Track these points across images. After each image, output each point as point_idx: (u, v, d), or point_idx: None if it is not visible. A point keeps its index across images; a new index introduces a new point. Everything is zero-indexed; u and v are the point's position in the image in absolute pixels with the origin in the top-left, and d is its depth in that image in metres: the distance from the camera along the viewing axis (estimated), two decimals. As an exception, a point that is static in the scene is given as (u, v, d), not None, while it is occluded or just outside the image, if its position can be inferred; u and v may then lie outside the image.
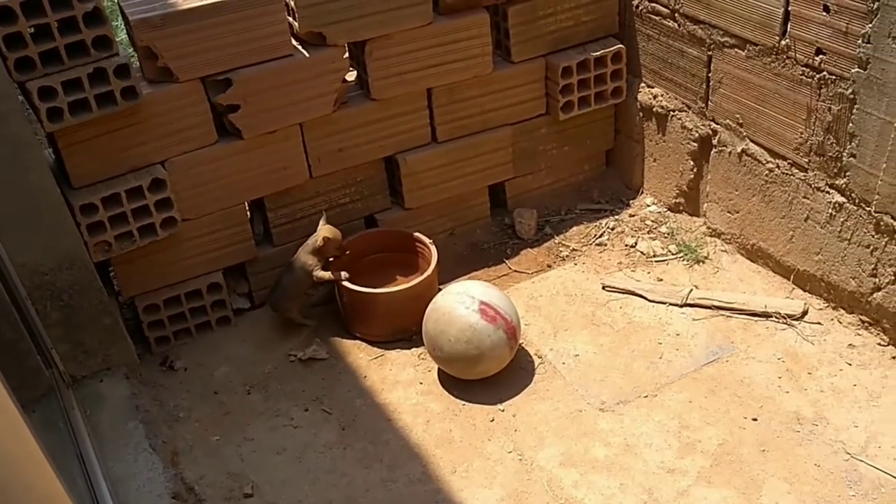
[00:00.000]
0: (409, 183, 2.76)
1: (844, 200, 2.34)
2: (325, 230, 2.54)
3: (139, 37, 2.22)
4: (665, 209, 3.01)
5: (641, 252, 2.87)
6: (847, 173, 2.30)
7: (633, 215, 3.01)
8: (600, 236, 2.96)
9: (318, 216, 2.71)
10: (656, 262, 2.83)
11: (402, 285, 2.61)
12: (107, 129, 2.26)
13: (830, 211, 2.39)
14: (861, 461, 2.11)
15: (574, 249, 2.93)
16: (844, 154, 2.28)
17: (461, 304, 2.38)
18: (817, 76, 2.27)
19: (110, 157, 2.30)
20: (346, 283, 2.54)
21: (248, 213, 2.69)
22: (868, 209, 2.28)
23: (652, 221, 2.99)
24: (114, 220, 2.34)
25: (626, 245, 2.91)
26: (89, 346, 2.37)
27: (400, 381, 2.50)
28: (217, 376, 2.55)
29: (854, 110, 2.20)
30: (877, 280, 2.33)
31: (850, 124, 2.23)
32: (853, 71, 2.16)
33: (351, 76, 2.67)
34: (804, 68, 2.29)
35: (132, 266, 2.48)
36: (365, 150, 2.66)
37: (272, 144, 2.51)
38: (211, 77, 2.36)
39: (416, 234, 2.72)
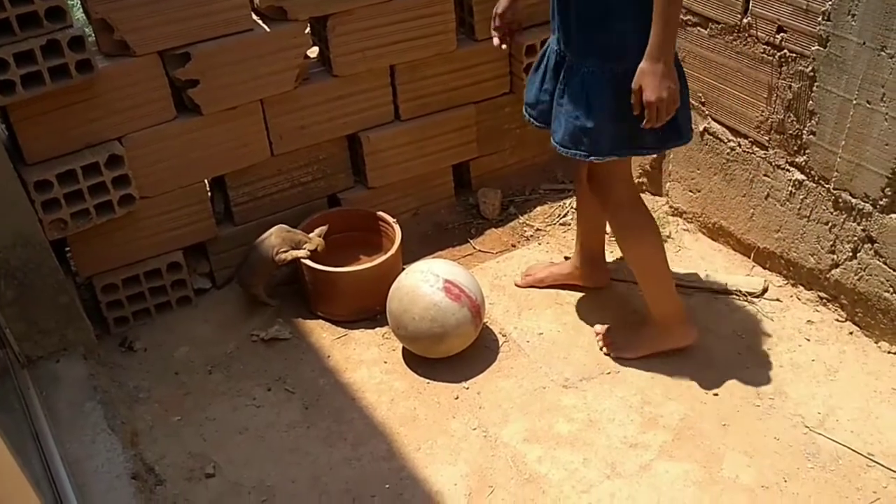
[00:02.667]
0: (372, 161, 2.74)
1: (804, 178, 2.37)
2: (319, 242, 2.56)
3: (94, 8, 2.17)
4: (628, 189, 3.02)
5: (605, 232, 2.88)
6: (807, 151, 2.32)
7: (597, 195, 3.01)
8: (564, 216, 2.96)
9: (281, 195, 2.68)
10: (619, 241, 2.84)
11: (365, 264, 2.59)
12: (61, 103, 2.20)
13: (790, 189, 2.42)
14: (819, 434, 2.14)
15: (538, 229, 2.93)
16: (804, 132, 2.30)
17: (425, 282, 2.37)
18: (778, 54, 2.28)
19: (65, 132, 2.24)
20: (308, 263, 2.51)
21: (209, 191, 2.65)
22: (827, 186, 2.30)
23: (615, 201, 2.99)
24: (69, 198, 2.28)
25: (590, 224, 2.91)
26: (45, 326, 2.32)
27: (364, 360, 2.49)
28: (177, 357, 2.51)
29: (814, 88, 2.23)
30: (835, 257, 2.36)
31: (811, 102, 2.25)
32: (813, 49, 2.18)
33: (313, 52, 2.63)
34: (765, 46, 2.31)
35: (89, 245, 2.43)
36: (327, 128, 2.63)
37: (232, 121, 2.47)
38: (169, 51, 2.31)
39: (380, 213, 2.70)
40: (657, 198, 2.96)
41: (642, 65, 1.86)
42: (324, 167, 2.72)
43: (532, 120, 2.22)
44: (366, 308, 2.57)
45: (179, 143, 2.42)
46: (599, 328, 2.45)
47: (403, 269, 2.55)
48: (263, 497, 2.09)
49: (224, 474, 2.15)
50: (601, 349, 2.42)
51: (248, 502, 2.08)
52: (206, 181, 2.59)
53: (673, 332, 2.34)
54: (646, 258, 2.27)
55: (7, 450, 1.21)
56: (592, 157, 2.05)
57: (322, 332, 2.58)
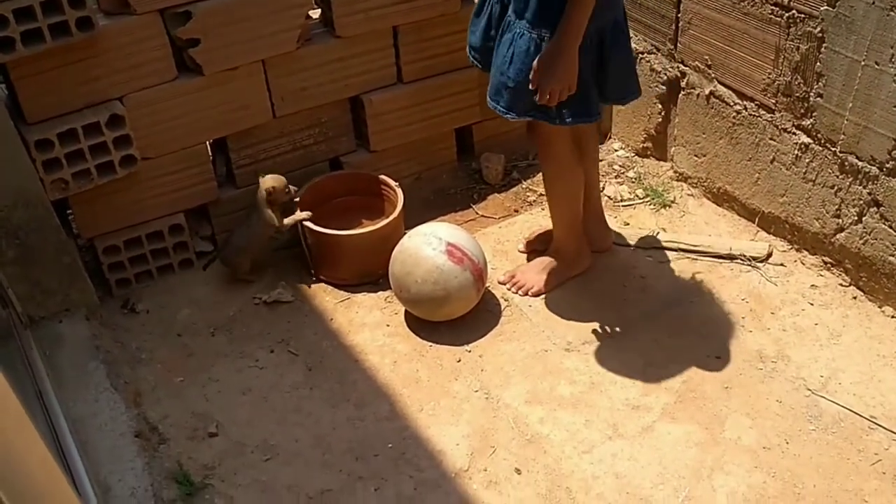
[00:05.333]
0: (374, 124, 2.71)
1: (810, 141, 2.35)
2: (267, 181, 2.49)
3: (94, -35, 2.14)
4: (633, 154, 3.00)
5: (609, 197, 2.87)
6: (813, 114, 2.30)
7: (601, 160, 2.99)
8: (568, 181, 2.94)
9: (283, 158, 2.67)
10: (623, 206, 2.83)
11: (367, 228, 2.58)
12: (62, 61, 2.18)
13: (796, 152, 2.40)
14: (821, 397, 2.15)
15: (541, 194, 2.91)
16: (811, 94, 2.28)
17: (428, 245, 2.36)
18: (786, 15, 2.25)
19: (66, 91, 2.22)
20: (310, 226, 2.50)
21: (211, 153, 2.63)
22: (833, 149, 2.29)
23: (619, 166, 2.98)
24: (71, 158, 2.27)
25: (594, 189, 2.90)
26: (47, 287, 2.31)
27: (367, 323, 2.48)
28: (180, 319, 2.51)
29: (822, 49, 2.20)
30: (840, 221, 2.35)
31: (818, 64, 2.23)
32: (822, 9, 2.16)
33: (315, 13, 2.61)
34: (773, 7, 2.28)
35: (91, 206, 2.42)
36: (329, 90, 2.61)
37: (234, 82, 2.44)
38: (170, 9, 2.28)
39: (382, 176, 2.69)
40: (662, 163, 2.94)
41: (548, 45, 1.97)
42: (326, 130, 2.70)
43: (477, 63, 2.30)
44: (368, 272, 2.57)
45: (181, 103, 2.40)
46: (503, 278, 2.56)
47: (405, 233, 2.54)
48: (266, 456, 2.10)
49: (227, 434, 2.16)
50: (515, 293, 2.53)
51: (250, 461, 2.08)
52: (207, 143, 2.58)
53: (572, 262, 2.53)
54: (562, 206, 2.44)
55: (15, 399, 1.20)
56: (509, 115, 2.14)
57: (325, 296, 2.58)
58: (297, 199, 2.56)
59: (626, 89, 2.23)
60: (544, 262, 2.55)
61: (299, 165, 2.70)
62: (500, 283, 2.56)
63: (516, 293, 2.53)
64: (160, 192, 2.51)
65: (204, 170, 2.57)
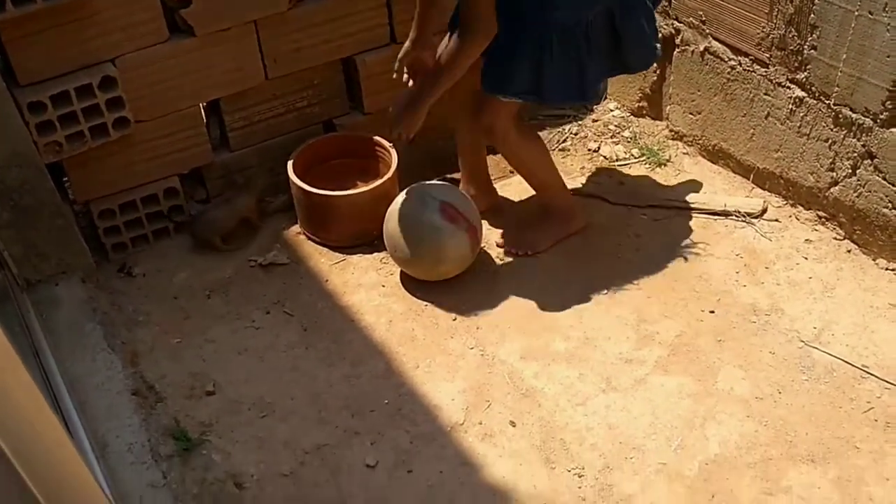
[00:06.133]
0: (368, 86, 2.70)
1: (804, 95, 2.34)
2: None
3: (82, -76, 2.13)
4: (628, 114, 3.00)
5: (604, 156, 2.86)
6: (808, 67, 2.29)
7: (597, 120, 2.99)
8: (563, 142, 2.94)
9: (276, 120, 2.66)
10: (619, 165, 2.83)
11: (361, 189, 2.58)
12: (53, 22, 2.17)
13: (790, 106, 2.39)
14: (814, 348, 2.16)
15: (536, 155, 2.91)
16: (805, 47, 2.27)
17: (422, 204, 2.36)
18: (779, -34, 2.24)
19: (58, 52, 2.22)
20: (304, 187, 2.50)
21: (205, 116, 2.63)
22: (827, 102, 2.28)
23: (615, 126, 2.97)
24: (64, 120, 2.27)
25: (589, 150, 2.90)
26: (43, 250, 2.32)
27: (362, 283, 2.49)
28: (176, 282, 2.52)
29: (815, 0, 2.18)
30: (834, 174, 2.34)
31: (812, 15, 2.21)
32: (815, -41, 2.14)
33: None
34: (766, -41, 2.27)
35: (86, 170, 2.42)
36: (322, 51, 2.60)
37: (226, 43, 2.43)
38: (161, -31, 2.27)
39: (376, 138, 2.68)
40: (657, 122, 2.93)
41: (409, 92, 2.28)
42: (319, 92, 2.69)
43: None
44: (363, 232, 2.57)
45: (173, 65, 2.40)
46: (501, 240, 2.57)
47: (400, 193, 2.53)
48: (263, 413, 2.12)
49: (224, 392, 2.17)
50: (514, 254, 2.54)
51: (247, 418, 2.10)
52: (201, 106, 2.57)
53: (567, 220, 2.55)
54: (537, 174, 2.51)
55: (15, 355, 1.21)
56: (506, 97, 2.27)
57: (320, 258, 2.59)
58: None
59: (647, 56, 2.34)
60: (541, 222, 2.56)
61: (293, 128, 2.70)
62: (497, 245, 2.57)
63: (514, 254, 2.53)
64: (154, 156, 2.51)
65: (198, 133, 2.57)
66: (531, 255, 2.52)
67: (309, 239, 2.63)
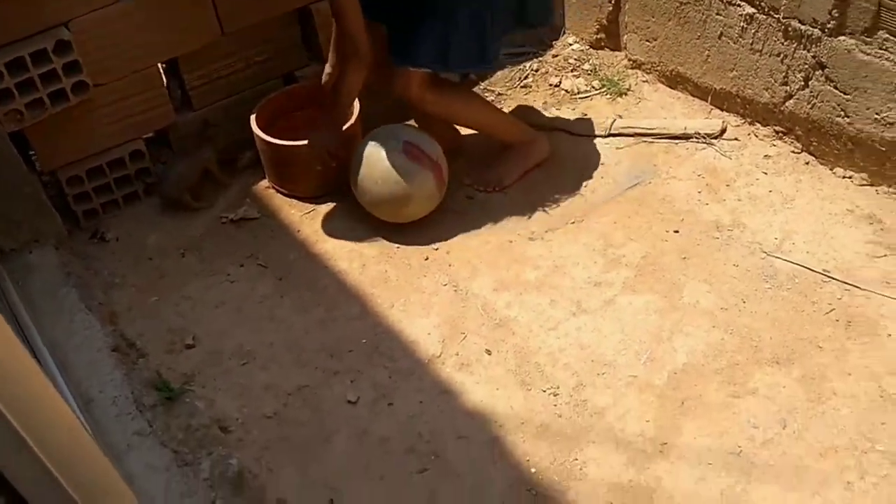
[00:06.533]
0: (325, 35, 2.68)
1: (754, 11, 2.36)
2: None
3: None
4: (587, 47, 3.01)
5: (565, 90, 2.89)
6: (755, -18, 2.31)
7: (556, 55, 3.01)
8: (525, 78, 2.96)
9: (236, 77, 2.67)
10: (580, 98, 2.85)
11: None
12: (3, -11, 2.16)
13: (742, 24, 2.42)
14: (776, 258, 2.21)
15: (500, 94, 2.93)
16: (751, -38, 2.29)
17: (385, 145, 2.38)
18: None
19: (9, 19, 2.19)
20: (267, 139, 2.52)
21: (164, 77, 2.63)
22: (777, 16, 2.30)
23: (575, 60, 2.99)
24: (22, 87, 2.26)
25: (551, 85, 2.92)
26: (14, 217, 2.33)
27: (333, 231, 2.52)
28: (149, 244, 2.54)
29: (758, -86, 2.20)
30: (788, 88, 2.38)
31: (755, -70, 2.23)
32: None
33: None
34: None
35: (49, 137, 2.42)
36: (276, 2, 2.59)
37: (179, -1, 2.43)
38: (105, -72, 2.26)
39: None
40: (616, 53, 2.95)
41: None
42: (276, 45, 2.69)
43: None
44: (329, 181, 2.58)
45: (127, 25, 2.38)
46: (468, 179, 2.60)
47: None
48: (243, 360, 2.16)
49: (203, 344, 2.21)
50: (482, 191, 2.57)
51: (228, 366, 2.14)
52: (159, 66, 2.57)
53: (528, 152, 2.58)
54: (474, 122, 2.60)
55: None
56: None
57: (290, 209, 2.61)
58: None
59: (547, 14, 2.45)
60: (505, 157, 2.59)
61: (254, 83, 2.70)
62: (465, 184, 2.59)
63: (482, 191, 2.57)
64: (117, 119, 2.51)
65: (158, 93, 2.57)
66: (500, 191, 2.55)
67: (278, 192, 2.65)
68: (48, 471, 1.15)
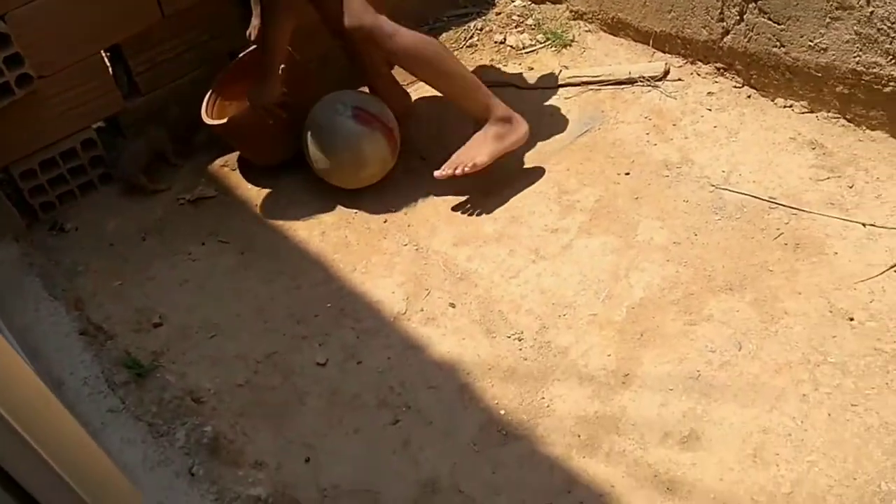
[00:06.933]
0: (267, 9, 2.70)
1: (686, -49, 2.41)
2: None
3: None
4: (529, 2, 3.04)
5: (511, 46, 2.92)
6: (684, -78, 2.35)
7: (500, 13, 3.03)
8: (470, 38, 2.99)
9: (181, 59, 2.66)
10: (526, 53, 2.89)
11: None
12: (-70, -15, 2.15)
13: (675, -35, 2.46)
14: (724, 189, 2.27)
15: (446, 54, 2.95)
16: None
17: (334, 112, 2.40)
18: None
19: (-58, 16, 2.20)
20: (210, 122, 2.52)
21: (109, 65, 2.62)
22: (707, -46, 2.35)
23: (518, 16, 3.02)
24: (-37, 84, 2.26)
25: (496, 42, 2.95)
26: (-31, 215, 2.33)
27: (291, 202, 2.54)
28: (109, 230, 2.54)
29: None
30: (725, 24, 2.43)
31: None
32: None
33: None
34: None
35: (-3, 133, 2.42)
36: (214, -22, 2.60)
37: (115, -17, 2.42)
38: (32, -85, 2.24)
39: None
40: (558, 5, 2.98)
41: None
42: (218, 24, 2.68)
43: None
44: (285, 149, 2.58)
45: (65, 13, 2.37)
46: (441, 172, 2.37)
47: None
48: (211, 333, 2.18)
49: (171, 322, 2.23)
50: (457, 174, 2.34)
51: (197, 340, 2.17)
52: (103, 53, 2.57)
53: (506, 129, 2.36)
54: (451, 83, 2.33)
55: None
56: None
57: (247, 185, 2.63)
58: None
59: None
60: (480, 137, 2.38)
61: (199, 64, 2.70)
62: (438, 177, 2.37)
63: (460, 175, 2.35)
64: (65, 109, 2.51)
65: (104, 81, 2.56)
66: (471, 173, 2.34)
67: (240, 169, 2.66)
68: (59, 475, 1.17)
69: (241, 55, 2.73)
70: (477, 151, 2.36)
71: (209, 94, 2.59)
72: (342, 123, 2.37)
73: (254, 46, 2.61)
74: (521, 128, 2.38)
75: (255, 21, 2.43)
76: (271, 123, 2.41)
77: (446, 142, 2.60)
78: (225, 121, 2.51)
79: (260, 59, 2.37)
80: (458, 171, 2.35)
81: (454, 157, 2.39)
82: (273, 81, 2.34)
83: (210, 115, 2.56)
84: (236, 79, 2.67)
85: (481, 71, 2.82)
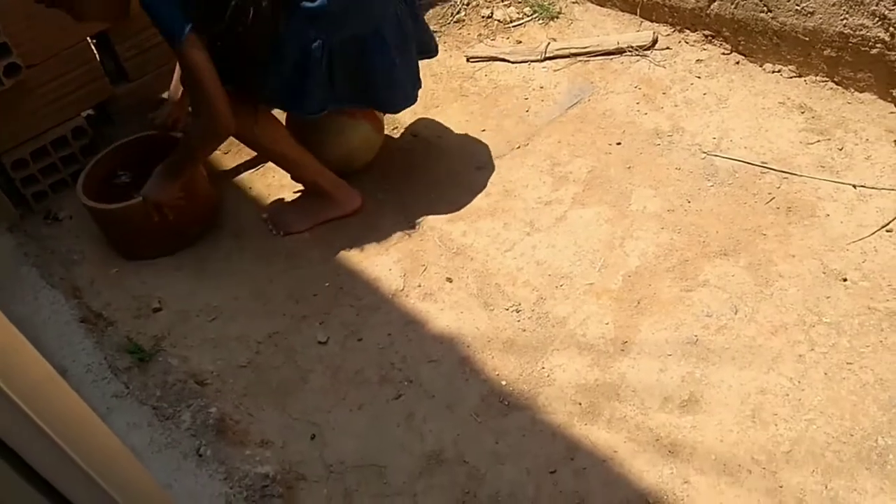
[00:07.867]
0: (253, -9, 2.69)
1: (671, -82, 2.41)
2: None
3: None
4: (514, -24, 3.03)
5: (498, 20, 2.92)
6: None
7: (487, -12, 3.03)
8: (458, 13, 2.98)
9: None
10: (514, 27, 2.89)
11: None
12: (-85, -24, 2.13)
13: (660, -67, 2.46)
14: (716, 156, 2.28)
15: (434, 31, 2.93)
16: None
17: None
18: None
19: (-73, 7, 2.18)
20: (90, 203, 2.30)
21: (96, 52, 2.61)
22: (692, -79, 2.35)
23: (504, -10, 3.01)
24: (-49, 75, 2.25)
25: (483, 17, 2.95)
26: (-38, 206, 2.33)
27: (284, 185, 2.54)
28: (104, 218, 2.55)
29: None
30: (711, -9, 2.44)
31: None
32: None
33: None
34: None
35: (-13, 123, 2.41)
36: (199, -38, 2.57)
37: (99, -31, 2.40)
38: None
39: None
40: (544, -22, 2.98)
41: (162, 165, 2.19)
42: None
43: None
44: (159, 250, 2.41)
45: (50, 1, 2.37)
46: (266, 215, 2.43)
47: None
48: (212, 316, 2.19)
49: (170, 307, 2.24)
50: (272, 231, 2.39)
51: (197, 324, 2.18)
52: (90, 41, 2.55)
53: (335, 200, 2.38)
54: (287, 159, 2.33)
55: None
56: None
57: (239, 170, 2.62)
58: None
59: (396, 98, 2.22)
60: (305, 202, 2.43)
61: (188, 47, 2.69)
62: (262, 217, 2.43)
63: (275, 233, 2.39)
64: (54, 98, 2.50)
65: (92, 68, 2.55)
66: (284, 236, 2.38)
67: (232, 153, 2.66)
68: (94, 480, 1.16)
69: (126, 140, 2.50)
70: (301, 220, 2.39)
71: (85, 172, 2.37)
72: (324, 121, 2.33)
73: (150, 132, 2.48)
74: (354, 201, 2.39)
75: (167, 108, 2.40)
76: (156, 221, 2.23)
77: (434, 116, 2.61)
78: (112, 207, 2.28)
79: (171, 163, 2.18)
80: (273, 232, 2.40)
81: (277, 213, 2.43)
82: (177, 185, 2.19)
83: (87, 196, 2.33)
84: (114, 164, 2.48)
85: (470, 48, 2.82)
